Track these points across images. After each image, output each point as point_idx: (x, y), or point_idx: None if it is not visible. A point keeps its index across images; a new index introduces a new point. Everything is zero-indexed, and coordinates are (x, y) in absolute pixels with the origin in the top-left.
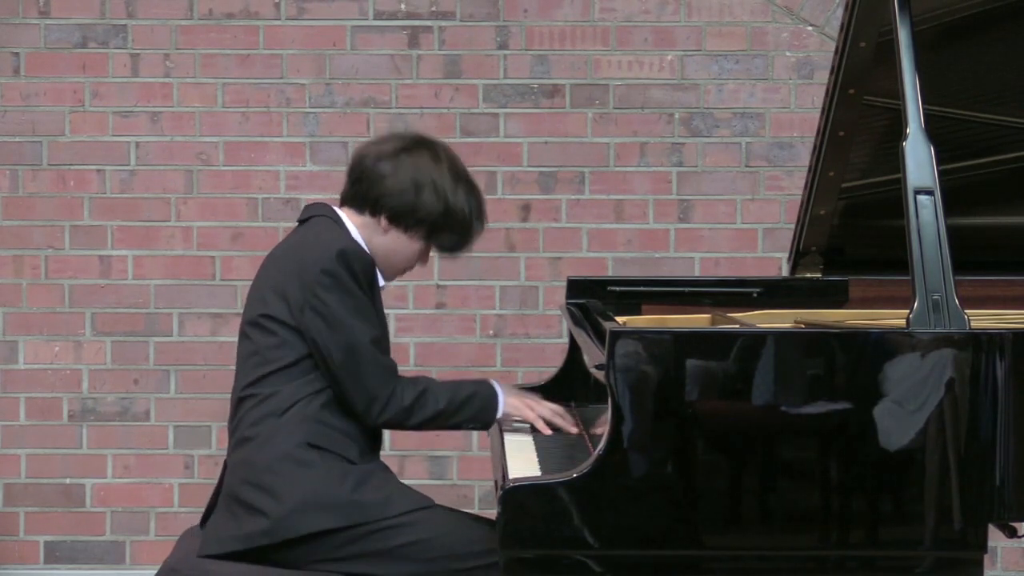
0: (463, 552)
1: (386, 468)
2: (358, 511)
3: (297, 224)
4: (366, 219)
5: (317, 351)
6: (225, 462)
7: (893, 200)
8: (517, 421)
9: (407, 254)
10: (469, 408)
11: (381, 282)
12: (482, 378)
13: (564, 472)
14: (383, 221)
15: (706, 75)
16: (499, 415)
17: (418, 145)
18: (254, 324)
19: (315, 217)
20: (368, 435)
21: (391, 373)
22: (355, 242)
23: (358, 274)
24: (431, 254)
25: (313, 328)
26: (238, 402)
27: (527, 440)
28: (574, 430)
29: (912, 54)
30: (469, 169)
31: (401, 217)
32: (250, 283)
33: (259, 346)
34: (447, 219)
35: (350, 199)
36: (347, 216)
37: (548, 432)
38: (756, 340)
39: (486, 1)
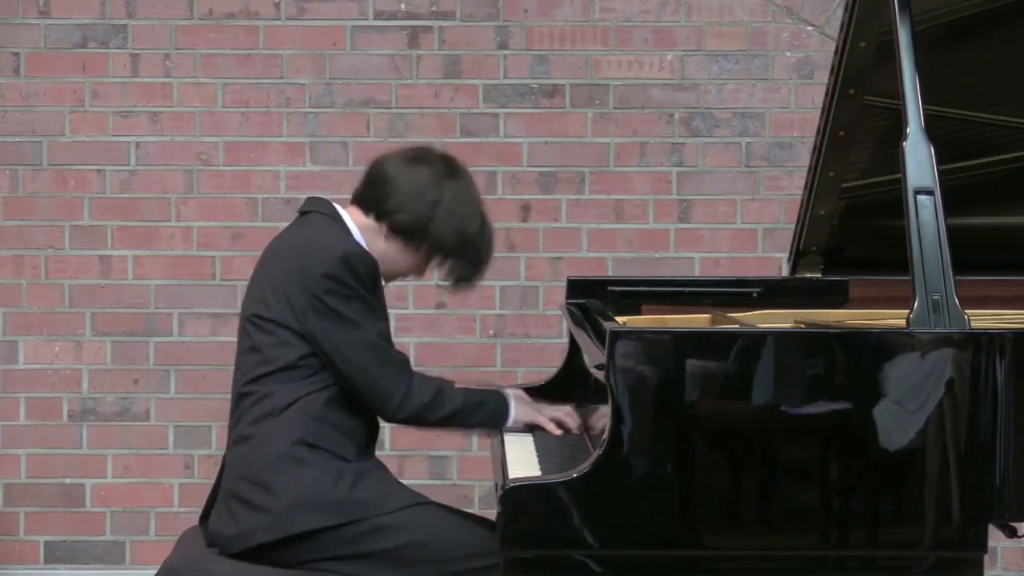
0: (460, 554)
1: (382, 466)
2: (355, 507)
3: (298, 215)
4: (370, 222)
5: (324, 353)
6: (224, 459)
7: (893, 200)
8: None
9: (403, 264)
10: (482, 411)
11: (382, 281)
12: (493, 387)
13: (564, 472)
14: (385, 228)
15: (706, 75)
16: (509, 423)
17: (453, 172)
18: (253, 323)
19: (314, 213)
20: (366, 433)
21: (404, 368)
22: (357, 244)
23: (362, 276)
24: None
25: (319, 330)
26: (239, 398)
27: (527, 440)
28: (577, 431)
29: (912, 54)
30: (470, 169)
31: (406, 231)
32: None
33: (259, 344)
34: (462, 249)
35: (360, 199)
36: (350, 215)
37: (558, 432)
38: (756, 340)
39: (486, 1)
